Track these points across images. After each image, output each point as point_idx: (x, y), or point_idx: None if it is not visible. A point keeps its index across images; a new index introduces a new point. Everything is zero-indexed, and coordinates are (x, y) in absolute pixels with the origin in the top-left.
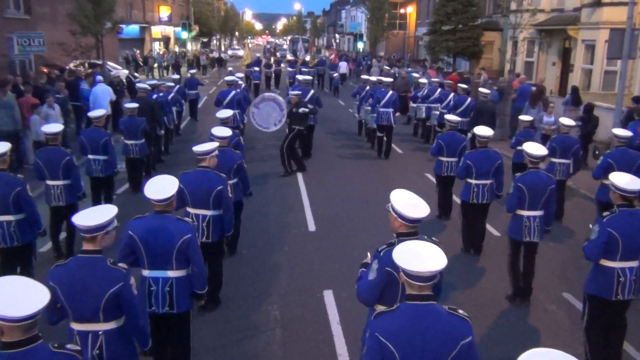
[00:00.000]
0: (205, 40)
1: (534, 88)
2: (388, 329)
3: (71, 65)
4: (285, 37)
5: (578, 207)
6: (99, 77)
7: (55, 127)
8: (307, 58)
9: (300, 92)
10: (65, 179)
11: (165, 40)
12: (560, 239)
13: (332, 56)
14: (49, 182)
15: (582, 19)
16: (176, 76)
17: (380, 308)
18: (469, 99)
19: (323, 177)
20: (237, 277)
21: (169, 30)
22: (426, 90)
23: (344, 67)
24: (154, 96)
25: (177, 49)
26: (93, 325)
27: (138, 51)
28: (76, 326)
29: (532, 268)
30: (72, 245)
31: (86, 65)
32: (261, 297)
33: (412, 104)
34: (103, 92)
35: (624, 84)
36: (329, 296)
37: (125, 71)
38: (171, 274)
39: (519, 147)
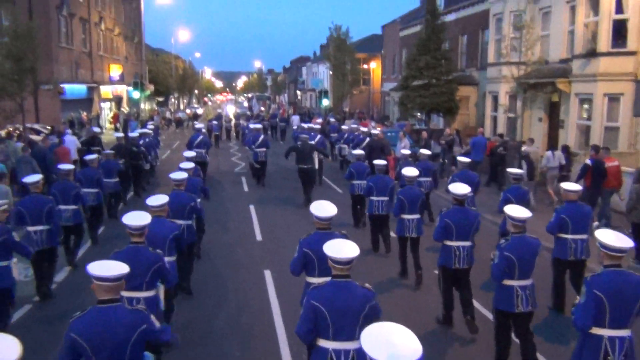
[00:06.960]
0: (161, 99)
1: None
2: (319, 296)
3: (2, 132)
4: (246, 95)
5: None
6: (68, 131)
7: (36, 177)
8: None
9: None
10: (47, 224)
11: (117, 100)
12: None
13: (281, 111)
14: (31, 228)
15: (574, 70)
16: (151, 125)
17: (310, 279)
18: (368, 139)
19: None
20: None
21: (122, 90)
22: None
23: (296, 120)
24: (141, 141)
25: (125, 110)
26: None
27: (85, 113)
28: None
29: (531, 339)
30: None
31: (21, 129)
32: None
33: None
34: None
35: None
36: None
37: (97, 129)
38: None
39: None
